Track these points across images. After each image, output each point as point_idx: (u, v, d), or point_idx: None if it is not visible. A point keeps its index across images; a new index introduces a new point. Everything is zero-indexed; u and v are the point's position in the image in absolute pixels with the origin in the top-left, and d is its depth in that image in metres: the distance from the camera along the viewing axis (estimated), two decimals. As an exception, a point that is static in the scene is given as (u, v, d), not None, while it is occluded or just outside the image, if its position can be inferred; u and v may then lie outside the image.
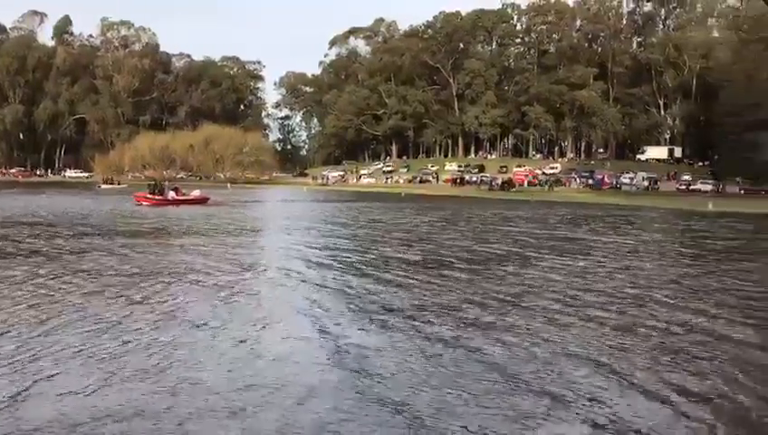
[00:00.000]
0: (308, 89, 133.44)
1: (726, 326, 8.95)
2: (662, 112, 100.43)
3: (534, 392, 6.23)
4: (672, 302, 10.65)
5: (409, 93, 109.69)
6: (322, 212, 35.83)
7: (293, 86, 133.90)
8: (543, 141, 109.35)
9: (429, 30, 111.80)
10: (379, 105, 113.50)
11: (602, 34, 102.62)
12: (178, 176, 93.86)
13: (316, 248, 18.08)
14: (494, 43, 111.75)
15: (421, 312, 9.67)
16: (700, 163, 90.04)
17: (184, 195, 42.43)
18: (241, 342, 8.11)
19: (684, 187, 70.43)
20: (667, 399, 6.13)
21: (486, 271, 13.77)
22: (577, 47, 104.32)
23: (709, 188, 66.85)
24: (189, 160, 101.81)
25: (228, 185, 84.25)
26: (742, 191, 63.86)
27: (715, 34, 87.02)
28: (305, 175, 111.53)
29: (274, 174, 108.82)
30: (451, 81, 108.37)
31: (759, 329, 8.83)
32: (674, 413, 5.85)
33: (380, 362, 7.21)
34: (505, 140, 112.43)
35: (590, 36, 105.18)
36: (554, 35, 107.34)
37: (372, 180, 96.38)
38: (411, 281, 12.40)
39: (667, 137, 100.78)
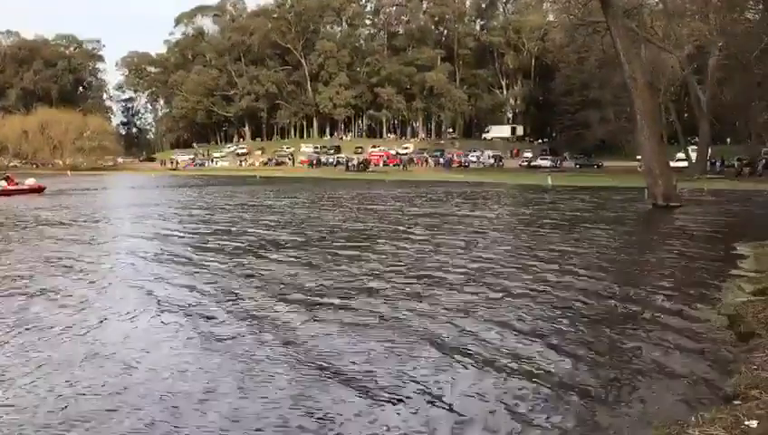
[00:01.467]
0: (153, 69, 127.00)
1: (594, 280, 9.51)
2: (505, 93, 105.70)
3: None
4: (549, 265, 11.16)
5: (261, 74, 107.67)
6: (176, 198, 34.30)
7: (137, 66, 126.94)
8: (396, 122, 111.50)
9: (278, 9, 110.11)
10: (230, 85, 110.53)
11: (448, 17, 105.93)
12: (11, 164, 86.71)
13: (186, 237, 17.22)
14: (345, 24, 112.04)
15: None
16: (540, 140, 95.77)
17: (16, 184, 39.22)
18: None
19: (525, 163, 74.62)
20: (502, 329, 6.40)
21: (367, 248, 14.09)
22: (424, 29, 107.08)
23: (548, 163, 71.22)
24: (23, 147, 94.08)
25: (68, 172, 78.91)
26: (577, 166, 68.54)
27: (551, 18, 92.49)
28: (153, 160, 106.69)
29: (119, 160, 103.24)
30: (303, 61, 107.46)
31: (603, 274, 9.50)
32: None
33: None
34: (360, 121, 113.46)
35: (436, 19, 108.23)
36: (403, 17, 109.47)
37: (226, 163, 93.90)
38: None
39: (510, 116, 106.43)
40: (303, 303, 9.09)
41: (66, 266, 12.60)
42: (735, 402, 5.23)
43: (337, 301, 9.11)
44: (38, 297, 9.86)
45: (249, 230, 18.45)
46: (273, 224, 20.13)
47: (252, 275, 11.22)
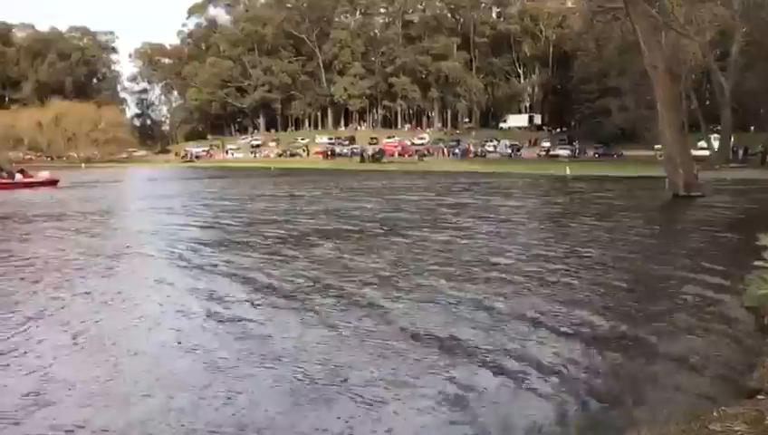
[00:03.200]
0: (167, 60, 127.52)
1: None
2: (522, 81, 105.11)
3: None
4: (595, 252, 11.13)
5: (275, 64, 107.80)
6: (200, 190, 34.51)
7: (151, 58, 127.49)
8: (411, 112, 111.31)
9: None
10: (244, 77, 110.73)
11: (464, 5, 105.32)
12: (27, 157, 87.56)
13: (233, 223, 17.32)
14: (359, 13, 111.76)
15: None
16: (558, 129, 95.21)
17: (31, 177, 39.58)
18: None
19: (543, 153, 74.29)
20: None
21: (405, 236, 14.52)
22: (440, 17, 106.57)
23: (567, 153, 70.88)
24: (38, 140, 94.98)
25: (82, 165, 79.54)
26: (597, 156, 68.12)
27: (569, 4, 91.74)
28: (167, 152, 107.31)
29: (134, 152, 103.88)
30: (317, 51, 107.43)
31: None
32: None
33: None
34: (375, 112, 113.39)
35: (452, 6, 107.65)
36: (418, 5, 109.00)
37: (240, 155, 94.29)
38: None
39: (528, 105, 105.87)
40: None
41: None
42: (759, 397, 5.15)
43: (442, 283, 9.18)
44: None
45: (298, 220, 18.62)
46: (311, 213, 20.45)
47: (327, 262, 11.55)
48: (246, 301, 8.97)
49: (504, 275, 10.37)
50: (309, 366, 6.35)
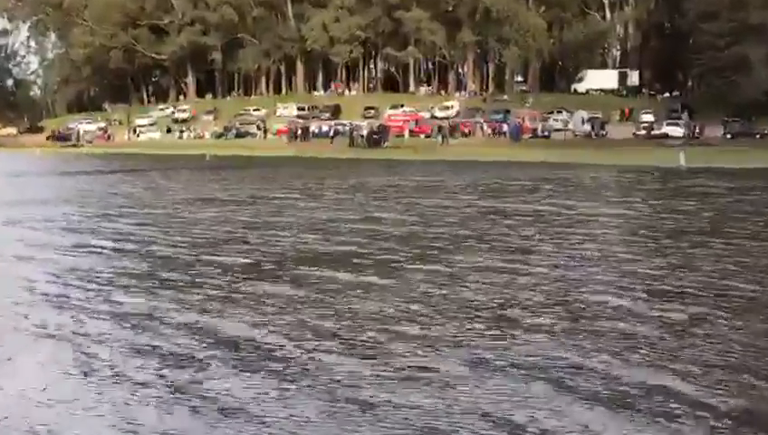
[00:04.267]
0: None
1: None
2: (609, 17, 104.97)
3: None
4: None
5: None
6: (95, 191, 34.25)
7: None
8: (431, 67, 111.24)
9: None
10: (163, 10, 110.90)
11: None
12: None
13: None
14: None
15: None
16: (666, 94, 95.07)
17: None
18: None
19: (644, 131, 74.06)
20: None
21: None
22: None
23: (681, 132, 70.61)
24: None
25: None
26: (728, 135, 67.82)
27: None
28: (39, 130, 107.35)
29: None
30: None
31: None
32: None
33: None
34: (372, 67, 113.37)
35: None
36: None
37: (156, 135, 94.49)
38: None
39: (618, 55, 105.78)
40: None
41: None
42: None
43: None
44: None
45: (269, 238, 18.67)
46: (285, 227, 20.40)
47: (326, 310, 11.26)
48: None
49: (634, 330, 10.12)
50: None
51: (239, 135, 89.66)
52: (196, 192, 33.33)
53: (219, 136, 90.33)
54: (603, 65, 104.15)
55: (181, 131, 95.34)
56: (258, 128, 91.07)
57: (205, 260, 16.08)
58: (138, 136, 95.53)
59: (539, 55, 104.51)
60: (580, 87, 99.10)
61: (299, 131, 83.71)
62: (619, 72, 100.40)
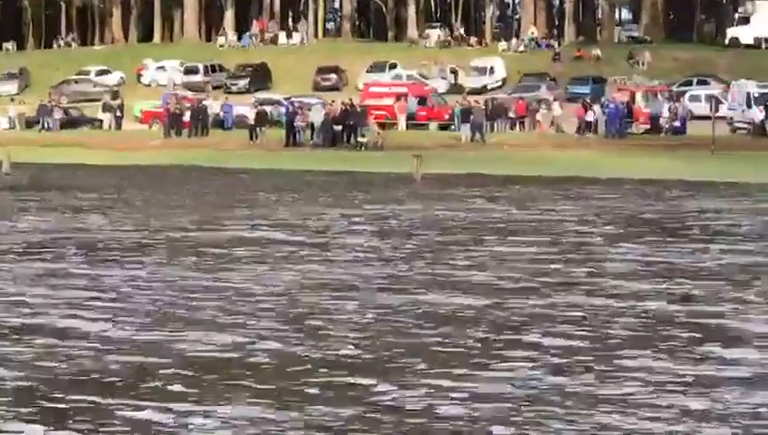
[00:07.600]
0: None
1: None
2: None
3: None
4: None
5: None
6: None
7: None
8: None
9: None
10: None
11: None
12: None
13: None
14: None
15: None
16: None
17: None
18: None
19: None
20: None
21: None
22: None
23: None
24: None
25: None
26: None
27: None
28: None
29: None
30: None
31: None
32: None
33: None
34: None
35: None
36: None
37: None
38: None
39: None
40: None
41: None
42: None
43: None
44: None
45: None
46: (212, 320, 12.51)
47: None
48: None
49: None
50: None
51: (71, 123, 61.97)
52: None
53: (31, 125, 62.55)
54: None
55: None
56: (106, 109, 62.04)
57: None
58: None
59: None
60: (743, 34, 71.30)
61: (185, 116, 57.20)
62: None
